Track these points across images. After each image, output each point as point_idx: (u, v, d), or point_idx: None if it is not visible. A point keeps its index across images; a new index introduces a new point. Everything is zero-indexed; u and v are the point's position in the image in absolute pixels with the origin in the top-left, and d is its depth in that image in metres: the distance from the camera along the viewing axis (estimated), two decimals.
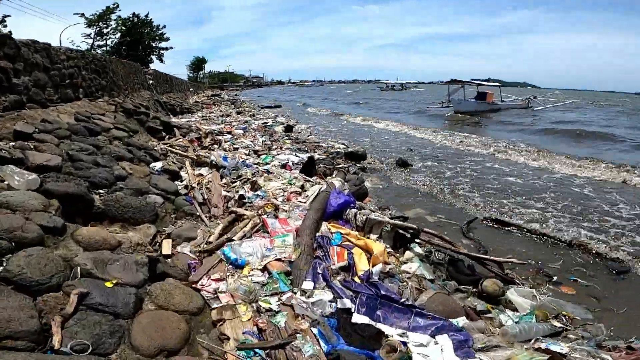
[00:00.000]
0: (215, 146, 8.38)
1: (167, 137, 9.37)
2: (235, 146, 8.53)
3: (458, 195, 6.47)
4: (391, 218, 5.10)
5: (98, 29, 32.96)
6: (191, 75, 65.03)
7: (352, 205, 4.89)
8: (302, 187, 5.45)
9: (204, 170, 6.03)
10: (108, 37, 33.74)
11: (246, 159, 7.21)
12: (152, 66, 34.45)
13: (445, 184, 7.06)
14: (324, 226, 4.41)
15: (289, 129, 12.73)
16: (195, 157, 6.82)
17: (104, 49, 33.87)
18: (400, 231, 4.37)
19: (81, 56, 7.80)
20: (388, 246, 4.24)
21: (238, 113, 19.38)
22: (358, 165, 7.90)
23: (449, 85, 25.11)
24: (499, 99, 26.21)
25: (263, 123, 14.68)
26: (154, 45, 37.93)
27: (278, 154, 8.00)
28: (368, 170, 7.66)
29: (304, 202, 5.08)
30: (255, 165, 6.71)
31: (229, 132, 10.56)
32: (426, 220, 5.44)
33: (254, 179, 5.54)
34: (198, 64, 67.18)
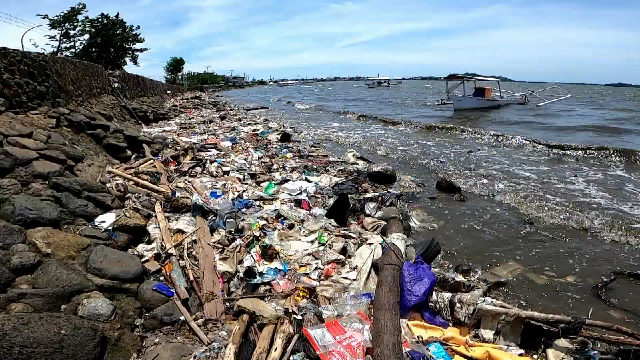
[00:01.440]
0: (198, 170, 6.25)
1: (135, 156, 7.16)
2: (224, 168, 6.42)
3: (555, 233, 4.65)
4: (487, 287, 3.25)
5: (64, 30, 30.62)
6: (169, 77, 62.15)
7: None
8: (344, 250, 3.45)
9: (183, 222, 3.93)
10: (75, 39, 31.54)
11: (243, 191, 5.14)
12: (126, 69, 32.04)
13: (523, 215, 5.23)
14: (403, 326, 2.55)
15: (285, 137, 10.66)
16: (169, 193, 4.71)
17: (72, 51, 31.49)
18: (536, 323, 2.56)
19: (1, 54, 5.51)
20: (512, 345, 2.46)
21: (222, 118, 17.11)
22: (390, 190, 5.96)
23: (447, 81, 23.57)
24: (497, 94, 24.96)
25: (253, 130, 12.56)
26: (127, 46, 35.80)
27: (284, 179, 5.96)
28: (405, 198, 5.74)
29: (355, 279, 3.12)
30: (258, 204, 4.65)
31: (215, 146, 8.42)
32: (533, 283, 3.59)
33: (265, 239, 3.49)
34: (176, 65, 64.30)
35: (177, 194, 4.63)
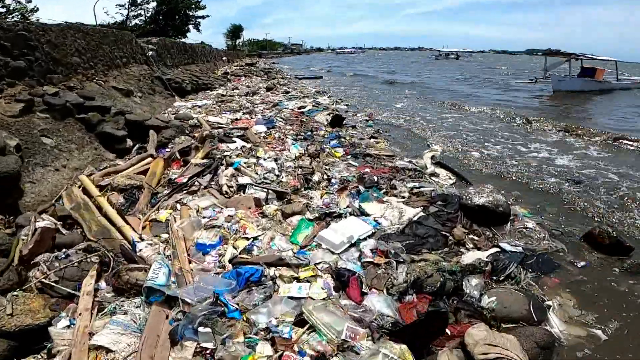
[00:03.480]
0: (206, 178, 4.32)
1: (137, 147, 5.53)
2: (241, 179, 4.41)
3: None
4: None
5: None
6: (229, 43, 62.44)
7: None
8: None
9: (113, 330, 2.02)
10: (143, 7, 31.80)
11: (253, 239, 3.12)
12: (190, 36, 31.77)
13: None
14: None
15: (337, 121, 8.33)
16: (134, 237, 2.86)
17: (141, 19, 32.02)
18: None
19: None
20: None
21: (268, 90, 15.17)
22: (503, 243, 3.45)
23: (546, 57, 18.88)
24: (612, 77, 19.55)
25: (299, 107, 10.41)
26: (190, 14, 35.63)
27: (324, 207, 3.81)
28: (532, 263, 3.25)
29: None
30: (271, 276, 2.61)
31: (243, 133, 6.43)
32: None
33: None
34: (235, 31, 64.18)
35: (140, 245, 2.75)
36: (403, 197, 4.28)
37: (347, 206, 3.84)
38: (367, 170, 5.22)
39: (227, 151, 5.38)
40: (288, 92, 14.85)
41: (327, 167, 5.17)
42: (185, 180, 4.12)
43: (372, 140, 7.05)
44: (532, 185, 5.29)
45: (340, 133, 7.38)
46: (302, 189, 4.33)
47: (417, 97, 15.44)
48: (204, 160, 4.89)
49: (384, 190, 4.48)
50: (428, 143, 6.83)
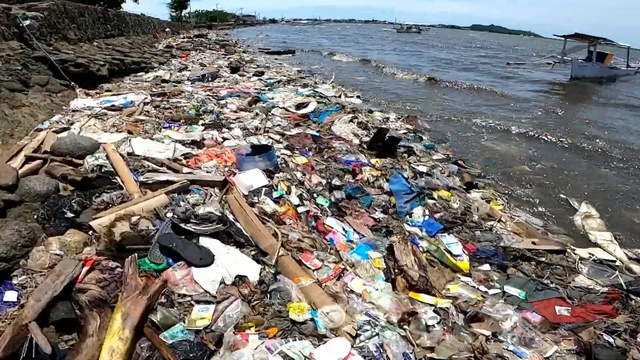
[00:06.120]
0: None
1: None
2: None
3: None
4: None
5: None
6: (174, 14, 54.87)
7: None
8: None
9: None
10: None
11: None
12: (125, 7, 24.82)
13: None
14: None
15: (386, 142, 4.61)
16: None
17: None
18: None
19: None
20: None
21: (234, 71, 10.86)
22: None
23: (566, 40, 16.99)
24: (622, 63, 18.40)
25: (297, 106, 6.56)
26: None
27: None
28: None
29: None
30: None
31: (221, 215, 2.65)
32: None
33: None
34: (180, 1, 56.22)
35: None
36: None
37: None
38: (567, 325, 1.81)
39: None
40: (263, 74, 10.72)
41: None
42: None
43: (477, 197, 3.54)
44: None
45: (404, 174, 3.79)
46: None
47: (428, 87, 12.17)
48: None
49: None
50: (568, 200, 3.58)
